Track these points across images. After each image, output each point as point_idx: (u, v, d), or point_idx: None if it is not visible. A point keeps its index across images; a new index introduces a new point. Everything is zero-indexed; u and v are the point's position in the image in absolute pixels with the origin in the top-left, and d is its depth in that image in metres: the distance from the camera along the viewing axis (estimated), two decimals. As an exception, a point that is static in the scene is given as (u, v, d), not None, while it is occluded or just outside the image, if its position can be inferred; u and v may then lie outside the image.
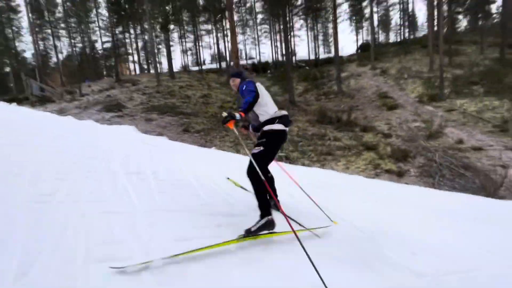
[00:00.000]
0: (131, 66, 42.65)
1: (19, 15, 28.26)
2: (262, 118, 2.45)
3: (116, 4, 29.08)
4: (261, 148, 2.30)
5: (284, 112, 2.50)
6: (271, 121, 2.40)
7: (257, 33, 41.54)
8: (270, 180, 2.61)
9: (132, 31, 34.94)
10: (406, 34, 36.05)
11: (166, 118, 11.18)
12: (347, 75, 24.41)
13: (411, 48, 28.71)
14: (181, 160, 4.30)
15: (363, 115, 13.56)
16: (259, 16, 40.79)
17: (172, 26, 30.48)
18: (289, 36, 33.50)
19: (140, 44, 38.44)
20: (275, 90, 24.72)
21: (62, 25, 33.24)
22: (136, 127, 8.61)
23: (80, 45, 33.89)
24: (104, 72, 41.30)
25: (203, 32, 38.99)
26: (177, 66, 40.41)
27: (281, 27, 38.46)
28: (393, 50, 30.47)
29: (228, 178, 3.73)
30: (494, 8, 29.53)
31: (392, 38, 41.41)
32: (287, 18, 18.51)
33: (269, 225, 2.10)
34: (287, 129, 2.48)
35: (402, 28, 37.59)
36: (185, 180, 3.22)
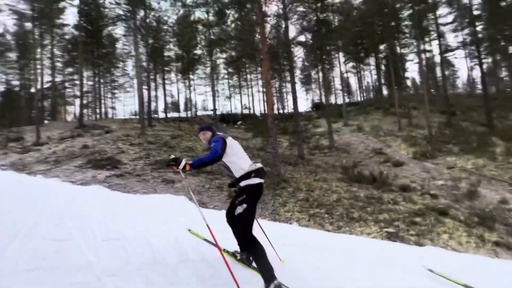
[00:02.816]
0: (74, 109, 38.03)
1: None
2: (237, 174, 2.37)
3: (75, 44, 26.06)
4: (244, 205, 2.25)
5: (259, 165, 2.45)
6: (246, 176, 2.35)
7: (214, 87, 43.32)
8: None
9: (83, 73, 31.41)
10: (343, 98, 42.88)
11: (189, 178, 8.72)
12: (325, 130, 25.62)
13: (367, 109, 32.90)
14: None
15: (376, 172, 13.51)
16: (223, 71, 42.11)
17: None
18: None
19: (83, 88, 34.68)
20: (256, 143, 23.72)
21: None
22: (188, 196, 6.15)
23: (16, 82, 28.34)
24: (32, 114, 35.27)
25: (167, 82, 38.39)
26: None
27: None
28: (351, 110, 34.38)
29: (189, 230, 3.33)
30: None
31: (333, 100, 47.68)
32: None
33: None
34: (263, 180, 2.42)
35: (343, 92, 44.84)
36: None
